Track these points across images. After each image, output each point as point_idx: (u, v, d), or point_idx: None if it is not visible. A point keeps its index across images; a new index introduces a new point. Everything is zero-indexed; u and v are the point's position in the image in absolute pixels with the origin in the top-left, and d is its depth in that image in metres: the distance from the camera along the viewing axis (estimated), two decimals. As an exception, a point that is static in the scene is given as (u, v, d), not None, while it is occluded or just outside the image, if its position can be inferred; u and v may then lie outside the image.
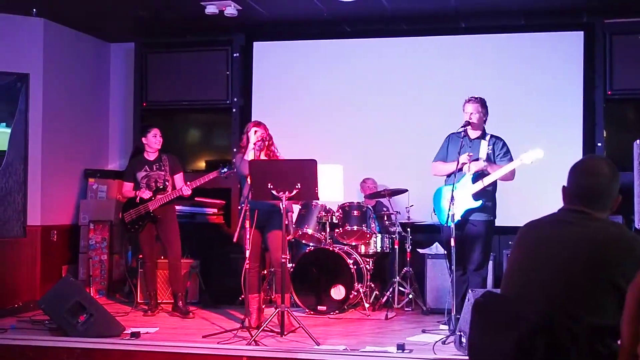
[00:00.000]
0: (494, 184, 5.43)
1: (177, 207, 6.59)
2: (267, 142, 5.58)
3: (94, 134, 7.95)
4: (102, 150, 8.12)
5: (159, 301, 6.46)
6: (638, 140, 5.08)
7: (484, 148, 5.43)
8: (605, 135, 6.73)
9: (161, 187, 6.23)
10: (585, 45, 6.80)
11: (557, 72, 6.87)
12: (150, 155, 6.33)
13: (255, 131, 5.53)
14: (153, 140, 6.28)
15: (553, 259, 2.43)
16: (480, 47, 7.10)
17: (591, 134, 6.73)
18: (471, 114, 5.44)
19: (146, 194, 6.16)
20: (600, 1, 6.37)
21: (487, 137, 5.48)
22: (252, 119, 7.44)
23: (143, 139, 6.34)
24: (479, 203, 5.34)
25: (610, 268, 2.33)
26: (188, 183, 6.11)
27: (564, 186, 2.59)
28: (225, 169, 5.88)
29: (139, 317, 6.14)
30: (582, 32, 6.83)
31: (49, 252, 7.01)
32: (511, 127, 6.59)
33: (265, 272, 6.32)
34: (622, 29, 6.69)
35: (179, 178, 6.35)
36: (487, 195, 5.40)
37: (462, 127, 5.35)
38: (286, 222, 5.28)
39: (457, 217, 5.20)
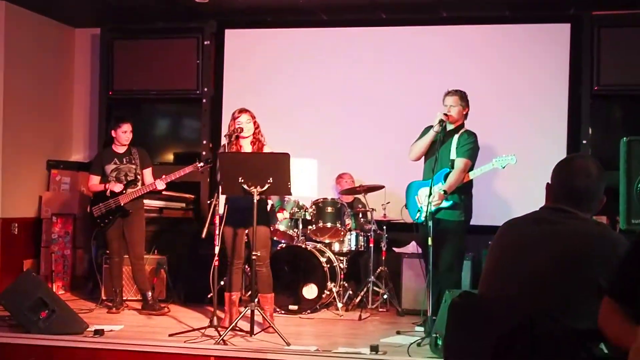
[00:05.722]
0: (467, 183, 5.34)
1: (145, 201, 6.42)
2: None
3: (57, 124, 7.82)
4: (66, 140, 7.98)
5: (124, 298, 6.36)
6: (625, 138, 5.00)
7: (454, 143, 5.34)
8: (590, 132, 6.65)
9: (132, 179, 6.13)
10: (571, 38, 6.72)
11: (542, 66, 6.79)
12: (119, 148, 6.22)
13: (248, 121, 5.36)
14: (122, 136, 6.16)
15: (533, 259, 2.39)
16: (461, 39, 7.01)
17: (576, 131, 6.66)
18: (450, 106, 5.36)
19: (117, 187, 6.04)
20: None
21: (460, 132, 5.38)
22: (223, 110, 7.34)
23: (112, 131, 6.22)
24: (448, 202, 5.24)
25: (592, 268, 2.29)
26: (163, 176, 5.98)
27: (548, 183, 2.56)
28: (202, 163, 5.77)
29: (103, 314, 6.05)
30: (569, 25, 6.76)
31: (10, 245, 6.92)
32: (493, 123, 6.56)
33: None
34: (611, 21, 6.60)
35: (148, 173, 6.25)
36: (459, 195, 5.29)
37: (437, 124, 5.23)
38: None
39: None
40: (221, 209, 5.36)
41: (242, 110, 5.41)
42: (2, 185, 6.81)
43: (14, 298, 5.12)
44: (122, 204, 6.03)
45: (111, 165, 6.13)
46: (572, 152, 6.45)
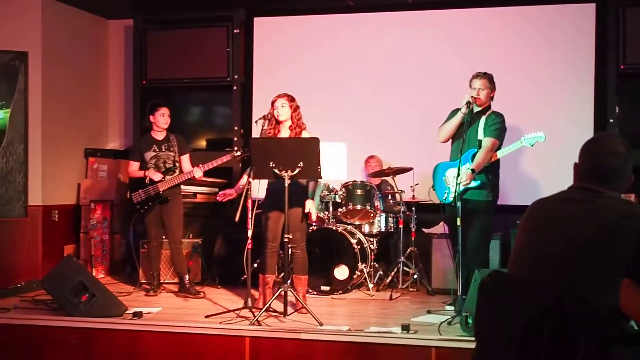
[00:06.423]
0: (494, 163, 5.32)
1: (179, 186, 6.50)
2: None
3: (94, 113, 7.90)
4: (102, 129, 8.07)
5: (161, 281, 6.42)
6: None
7: (482, 124, 5.31)
8: (617, 111, 6.53)
9: (170, 167, 6.15)
10: (597, 18, 6.62)
11: (567, 46, 6.71)
12: (158, 135, 6.20)
13: (283, 105, 5.36)
14: (161, 119, 6.14)
15: (562, 238, 2.39)
16: (487, 20, 6.96)
17: (603, 110, 6.56)
18: (479, 89, 5.32)
19: (157, 176, 6.06)
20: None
21: (487, 114, 5.35)
22: (254, 97, 7.38)
23: (151, 116, 6.18)
24: (476, 182, 5.21)
25: (620, 247, 2.29)
26: (200, 165, 5.98)
27: (575, 163, 2.56)
28: (240, 152, 5.78)
29: (142, 297, 6.11)
30: (594, 4, 6.66)
31: (51, 232, 7.01)
32: (520, 104, 6.52)
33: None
34: (636, 0, 6.46)
35: (186, 159, 6.25)
36: (486, 174, 5.28)
37: (465, 106, 5.21)
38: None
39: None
40: (261, 193, 5.40)
41: (280, 95, 5.39)
42: (42, 174, 6.90)
43: (55, 282, 5.21)
44: (160, 192, 6.05)
45: (150, 152, 6.13)
46: (599, 130, 6.38)
